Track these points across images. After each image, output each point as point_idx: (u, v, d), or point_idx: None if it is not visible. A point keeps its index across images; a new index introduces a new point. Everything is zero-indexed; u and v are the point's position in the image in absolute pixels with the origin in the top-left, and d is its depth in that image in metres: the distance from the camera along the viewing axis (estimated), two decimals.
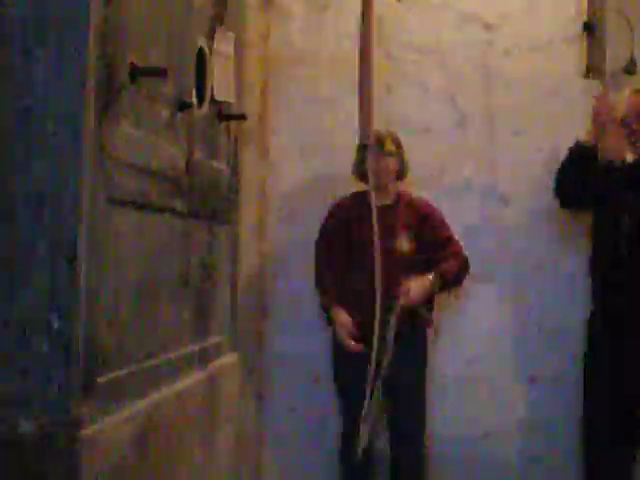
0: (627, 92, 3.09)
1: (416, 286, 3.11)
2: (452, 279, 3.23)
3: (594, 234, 3.14)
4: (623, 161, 3.01)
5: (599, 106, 2.97)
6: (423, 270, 3.17)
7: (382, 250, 2.90)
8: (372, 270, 2.85)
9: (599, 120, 2.96)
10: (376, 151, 3.16)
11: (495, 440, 3.50)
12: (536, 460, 3.48)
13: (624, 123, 3.01)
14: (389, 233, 3.11)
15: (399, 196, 3.30)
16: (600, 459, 3.02)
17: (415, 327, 3.18)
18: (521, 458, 3.49)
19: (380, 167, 3.16)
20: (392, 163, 3.23)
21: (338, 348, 3.21)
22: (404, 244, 3.18)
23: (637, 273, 2.93)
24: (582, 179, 2.99)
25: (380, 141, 3.17)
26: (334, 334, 3.22)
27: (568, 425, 3.41)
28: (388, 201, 3.25)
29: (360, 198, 3.20)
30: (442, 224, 3.29)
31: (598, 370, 3.01)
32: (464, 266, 3.26)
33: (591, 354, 3.07)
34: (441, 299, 3.46)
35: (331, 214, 3.34)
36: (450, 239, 3.28)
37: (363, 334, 3.05)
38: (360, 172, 3.20)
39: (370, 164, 3.19)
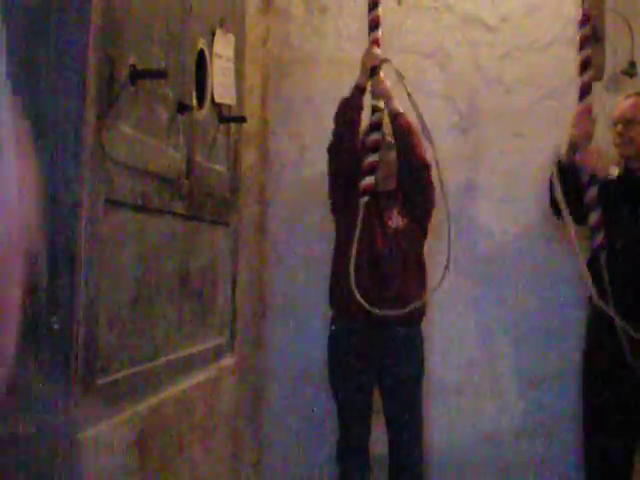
0: (621, 99, 3.10)
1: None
2: (404, 125, 3.13)
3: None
4: (614, 175, 3.00)
5: (578, 121, 2.94)
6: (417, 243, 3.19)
7: (379, 227, 3.09)
8: (370, 244, 3.06)
9: (577, 135, 2.94)
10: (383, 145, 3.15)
11: (496, 442, 3.50)
12: (537, 462, 3.48)
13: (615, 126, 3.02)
14: (387, 214, 3.15)
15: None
16: (600, 456, 3.02)
17: (410, 326, 3.16)
18: (522, 460, 3.49)
19: (386, 160, 3.16)
20: (393, 156, 3.20)
21: (333, 350, 3.20)
22: (398, 220, 3.16)
23: (634, 273, 2.93)
24: (570, 197, 2.98)
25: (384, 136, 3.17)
26: (330, 339, 3.21)
27: (569, 426, 3.41)
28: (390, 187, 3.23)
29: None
30: None
31: (598, 369, 3.01)
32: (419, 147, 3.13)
33: (591, 353, 3.07)
34: (440, 301, 3.46)
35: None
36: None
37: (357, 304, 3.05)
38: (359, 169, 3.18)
39: (380, 157, 3.15)
